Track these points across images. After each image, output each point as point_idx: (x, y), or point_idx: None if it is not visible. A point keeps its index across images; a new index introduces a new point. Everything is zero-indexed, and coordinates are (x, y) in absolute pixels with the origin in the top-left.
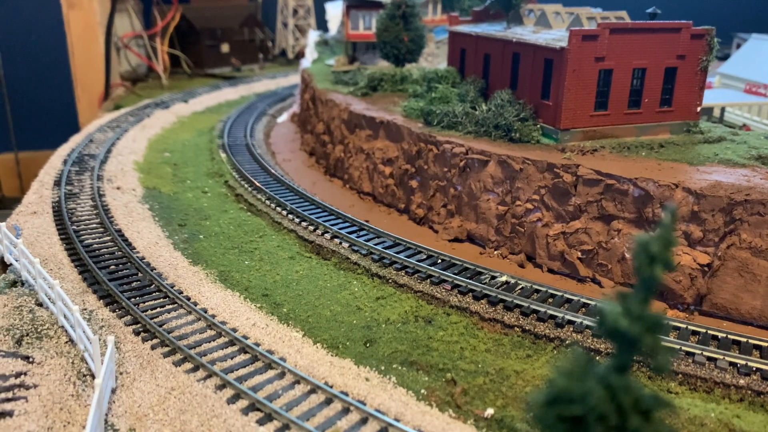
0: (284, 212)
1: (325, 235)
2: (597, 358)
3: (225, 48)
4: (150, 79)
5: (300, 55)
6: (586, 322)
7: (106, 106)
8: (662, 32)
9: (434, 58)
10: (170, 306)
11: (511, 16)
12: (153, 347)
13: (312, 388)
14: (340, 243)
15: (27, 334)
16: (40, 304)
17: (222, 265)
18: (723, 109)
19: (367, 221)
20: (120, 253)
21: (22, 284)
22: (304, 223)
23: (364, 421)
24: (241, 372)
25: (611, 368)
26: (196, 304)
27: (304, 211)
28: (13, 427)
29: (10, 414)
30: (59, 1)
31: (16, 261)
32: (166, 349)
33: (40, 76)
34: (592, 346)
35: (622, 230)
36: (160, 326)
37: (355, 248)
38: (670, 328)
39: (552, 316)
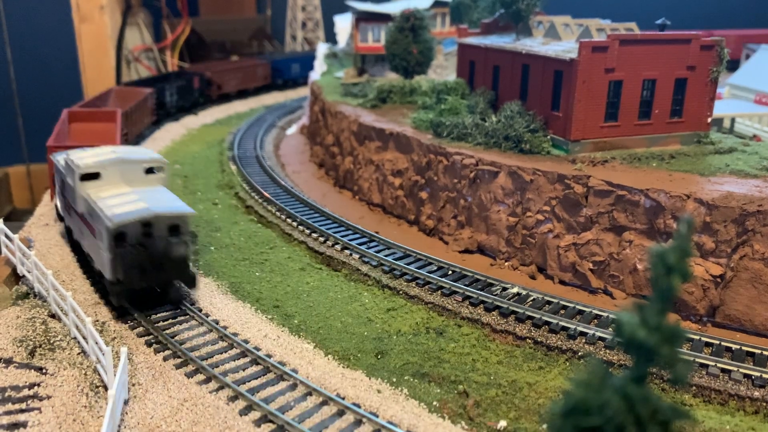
0: (294, 224)
1: (336, 246)
2: (610, 370)
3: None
4: None
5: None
6: (598, 334)
7: None
8: (672, 43)
9: (443, 70)
10: (182, 317)
11: (521, 28)
12: (165, 359)
13: (324, 400)
14: (351, 254)
15: (40, 346)
16: (53, 316)
17: (233, 276)
18: (733, 120)
19: (377, 232)
20: None
21: (35, 296)
22: (314, 235)
23: None
24: (253, 383)
25: (628, 379)
26: (207, 315)
27: (314, 222)
28: None
29: (24, 425)
30: (71, 15)
31: (29, 273)
32: (178, 360)
33: (51, 89)
34: (605, 358)
35: (633, 241)
36: (172, 338)
37: (366, 259)
38: (685, 340)
39: (564, 328)
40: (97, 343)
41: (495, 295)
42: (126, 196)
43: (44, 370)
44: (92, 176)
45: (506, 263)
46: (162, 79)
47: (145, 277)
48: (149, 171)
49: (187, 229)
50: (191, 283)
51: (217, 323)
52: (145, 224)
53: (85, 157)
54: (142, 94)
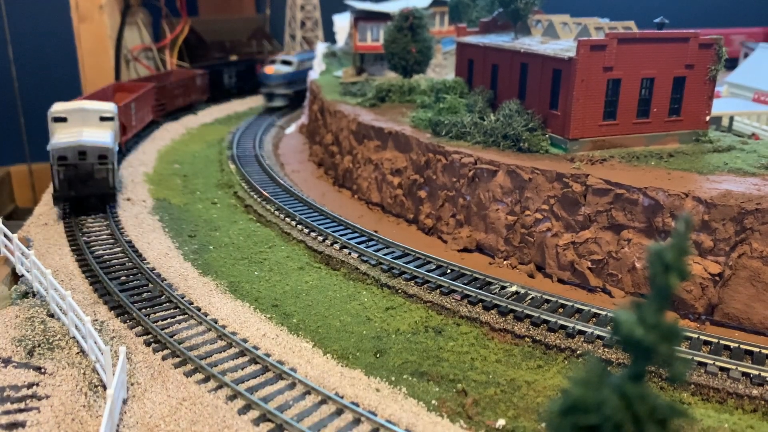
0: (293, 223)
1: (335, 245)
2: (609, 368)
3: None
4: None
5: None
6: (596, 332)
7: None
8: (670, 42)
9: (442, 69)
10: (181, 317)
11: (519, 27)
12: (164, 358)
13: (323, 399)
14: (350, 253)
15: (39, 345)
16: (52, 315)
17: (232, 275)
18: (732, 119)
19: (376, 231)
20: (130, 264)
21: (34, 295)
22: (313, 234)
23: (375, 431)
24: (252, 382)
25: (626, 377)
26: (206, 314)
27: (313, 221)
28: None
29: (22, 425)
30: (70, 14)
31: (28, 272)
32: (177, 359)
33: (52, 88)
34: (603, 356)
35: (632, 240)
36: (171, 337)
37: (365, 258)
38: (683, 338)
39: (562, 326)
40: (96, 342)
41: (493, 293)
42: (75, 133)
43: (43, 370)
44: (61, 119)
45: (505, 262)
46: (224, 64)
47: (73, 189)
48: (104, 119)
49: (113, 159)
50: (111, 198)
51: (216, 322)
52: (81, 152)
53: (59, 106)
54: (190, 75)
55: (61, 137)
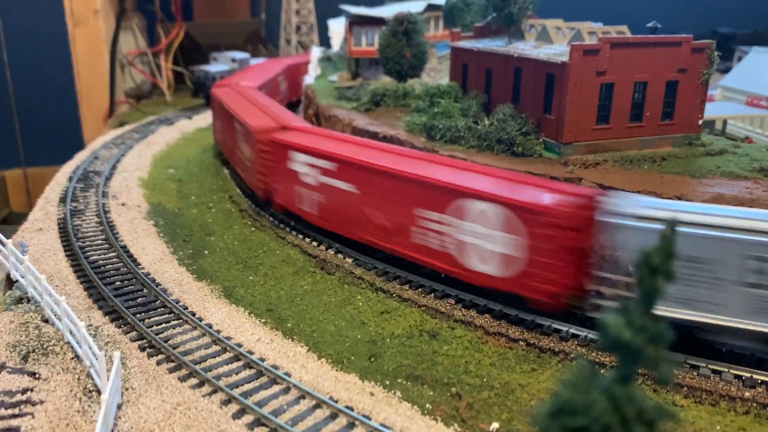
0: (288, 228)
1: (329, 250)
2: (602, 371)
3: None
4: (154, 95)
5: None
6: (590, 336)
7: (111, 123)
8: (663, 46)
9: (436, 74)
10: (175, 322)
11: (513, 32)
12: (158, 363)
13: (317, 403)
14: (344, 257)
15: (33, 351)
16: (46, 321)
17: (227, 280)
18: (725, 122)
19: None
20: (125, 269)
21: (28, 301)
22: (308, 239)
23: None
24: (247, 387)
25: (615, 379)
26: (201, 319)
27: (307, 225)
28: None
29: (17, 430)
30: (65, 19)
31: (22, 277)
32: (172, 364)
33: (47, 92)
34: (597, 360)
35: None
36: (166, 342)
37: (359, 263)
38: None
39: (556, 330)
40: (90, 347)
41: (488, 297)
42: (210, 66)
43: (37, 375)
44: (214, 59)
45: None
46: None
47: (198, 91)
48: (233, 60)
49: (217, 78)
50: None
51: (211, 327)
52: (206, 73)
53: (216, 53)
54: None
55: (203, 66)
